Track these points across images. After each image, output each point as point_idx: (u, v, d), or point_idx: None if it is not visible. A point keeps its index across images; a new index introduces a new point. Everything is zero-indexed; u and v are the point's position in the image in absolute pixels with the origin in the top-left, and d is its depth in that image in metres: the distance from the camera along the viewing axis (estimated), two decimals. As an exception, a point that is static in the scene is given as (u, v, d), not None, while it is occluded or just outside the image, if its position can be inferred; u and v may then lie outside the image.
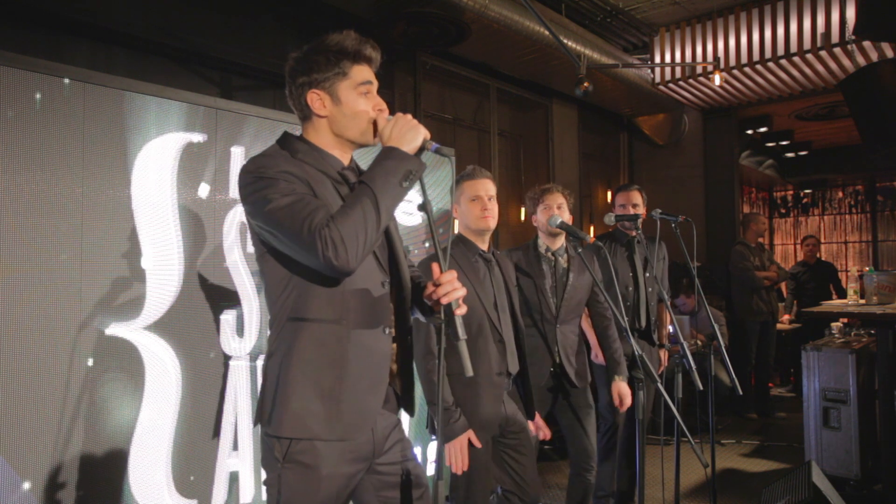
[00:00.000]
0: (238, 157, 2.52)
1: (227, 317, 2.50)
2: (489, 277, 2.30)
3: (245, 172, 1.39)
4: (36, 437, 1.97)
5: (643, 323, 3.26)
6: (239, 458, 2.44)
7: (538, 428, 2.50)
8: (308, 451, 1.39)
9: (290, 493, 1.39)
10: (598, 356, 3.17)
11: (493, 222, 2.30)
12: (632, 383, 2.94)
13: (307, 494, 1.39)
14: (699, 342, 4.98)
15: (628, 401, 2.76)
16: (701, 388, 2.31)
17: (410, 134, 1.38)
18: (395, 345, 1.56)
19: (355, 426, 1.43)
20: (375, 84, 1.51)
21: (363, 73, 1.48)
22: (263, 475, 1.46)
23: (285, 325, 1.42)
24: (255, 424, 1.49)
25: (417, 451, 3.21)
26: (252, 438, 2.47)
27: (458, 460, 2.09)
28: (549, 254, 2.75)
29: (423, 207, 1.43)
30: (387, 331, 1.51)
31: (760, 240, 5.69)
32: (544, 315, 2.67)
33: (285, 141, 1.51)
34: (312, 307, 1.41)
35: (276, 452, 1.40)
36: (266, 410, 1.43)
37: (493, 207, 2.30)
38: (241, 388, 2.45)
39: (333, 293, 1.41)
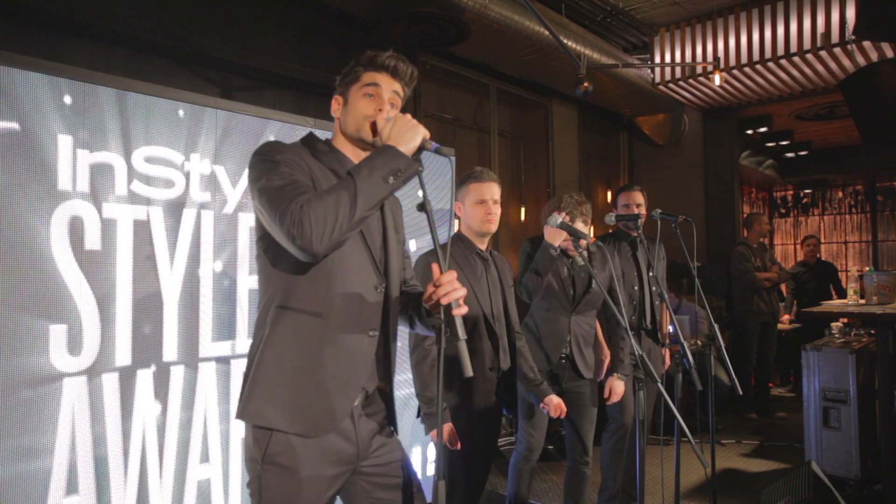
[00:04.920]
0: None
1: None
2: (486, 276, 2.36)
3: (255, 154, 1.45)
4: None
5: (649, 322, 3.28)
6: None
7: (558, 407, 2.47)
8: (286, 452, 1.39)
9: (270, 494, 1.39)
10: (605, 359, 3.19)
11: (494, 226, 2.37)
12: (632, 383, 2.96)
13: (287, 496, 1.39)
14: (699, 342, 4.98)
15: (616, 398, 2.89)
16: (701, 387, 2.31)
17: (409, 134, 1.38)
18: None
19: (319, 424, 1.42)
20: (386, 88, 1.54)
21: (373, 77, 1.54)
22: (246, 478, 1.47)
23: (270, 311, 1.45)
24: (235, 416, 1.49)
25: (418, 451, 3.21)
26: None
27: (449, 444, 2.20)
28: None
29: (423, 207, 1.42)
30: (371, 334, 1.50)
31: (763, 240, 5.68)
32: (561, 303, 2.76)
33: (308, 139, 1.58)
34: (296, 297, 1.43)
35: (254, 453, 1.41)
36: (240, 395, 1.46)
37: (497, 211, 2.37)
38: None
39: (318, 285, 1.43)
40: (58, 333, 2.05)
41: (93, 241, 2.14)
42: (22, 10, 2.95)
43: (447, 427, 2.19)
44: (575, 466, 2.88)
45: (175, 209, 2.37)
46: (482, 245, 2.40)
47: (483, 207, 2.33)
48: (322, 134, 1.64)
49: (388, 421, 1.61)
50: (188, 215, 2.40)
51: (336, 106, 1.59)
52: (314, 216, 1.25)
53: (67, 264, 2.07)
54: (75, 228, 2.10)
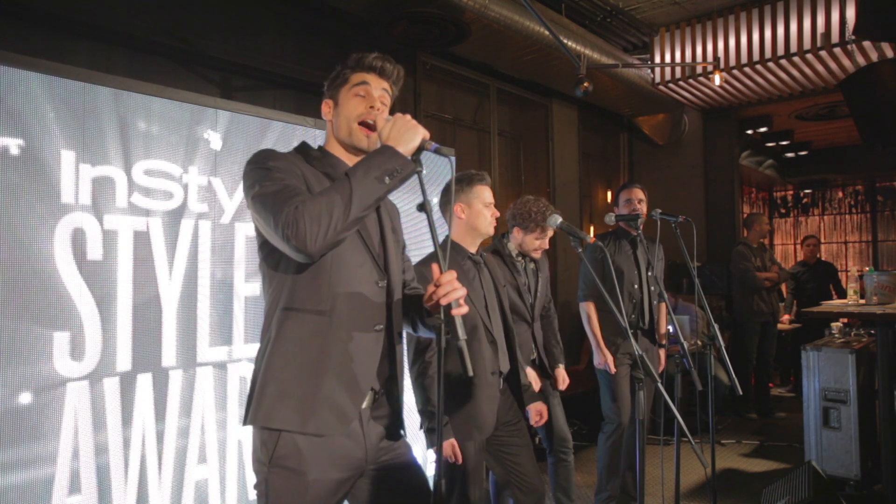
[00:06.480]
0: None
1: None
2: (479, 279, 2.35)
3: (248, 163, 1.46)
4: None
5: (647, 322, 3.28)
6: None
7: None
8: (293, 454, 1.39)
9: (277, 496, 1.39)
10: (601, 360, 3.18)
11: None
12: (632, 383, 2.96)
13: (294, 498, 1.39)
14: (699, 342, 4.97)
15: (564, 385, 2.98)
16: (700, 387, 2.31)
17: (409, 134, 1.38)
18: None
19: (330, 423, 1.42)
20: (375, 87, 1.56)
21: (362, 76, 1.56)
22: (253, 480, 1.47)
23: (276, 314, 1.45)
24: (243, 423, 1.49)
25: (419, 450, 3.21)
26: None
27: (451, 458, 2.18)
28: (520, 257, 2.91)
29: (423, 208, 1.42)
30: (377, 328, 1.51)
31: (763, 240, 5.69)
32: (524, 315, 2.84)
33: (301, 147, 1.60)
34: (300, 297, 1.44)
35: (261, 455, 1.41)
36: (249, 400, 1.45)
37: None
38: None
39: (320, 284, 1.43)
40: (61, 340, 2.09)
41: (94, 251, 2.19)
42: (22, 10, 2.95)
43: (449, 443, 2.15)
44: (559, 459, 2.91)
45: (174, 220, 2.40)
46: (473, 248, 2.40)
47: (490, 209, 2.38)
48: (315, 141, 1.65)
49: (396, 425, 1.60)
50: (186, 225, 2.44)
51: (327, 109, 1.61)
52: (308, 216, 1.26)
53: (70, 274, 2.12)
54: (78, 239, 2.14)
